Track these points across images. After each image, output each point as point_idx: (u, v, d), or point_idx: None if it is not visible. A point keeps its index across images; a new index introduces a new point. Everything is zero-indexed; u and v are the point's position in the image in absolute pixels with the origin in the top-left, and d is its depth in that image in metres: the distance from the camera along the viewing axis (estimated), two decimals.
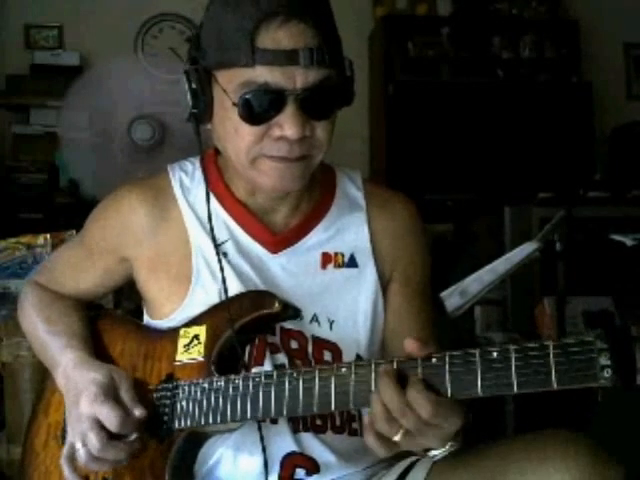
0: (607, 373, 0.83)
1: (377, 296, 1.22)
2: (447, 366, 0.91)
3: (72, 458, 1.09)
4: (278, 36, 1.04)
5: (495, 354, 0.89)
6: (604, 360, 0.84)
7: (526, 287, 3.09)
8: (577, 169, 4.28)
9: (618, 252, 2.77)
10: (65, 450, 1.10)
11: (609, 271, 2.86)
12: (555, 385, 0.85)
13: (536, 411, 2.71)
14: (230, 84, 1.08)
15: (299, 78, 1.05)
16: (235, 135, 1.10)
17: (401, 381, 0.92)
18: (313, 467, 1.13)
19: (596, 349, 0.84)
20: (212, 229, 1.17)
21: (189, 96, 1.13)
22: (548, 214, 2.85)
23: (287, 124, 1.06)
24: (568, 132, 4.38)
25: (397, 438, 0.92)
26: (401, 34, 4.49)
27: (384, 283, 1.24)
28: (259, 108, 1.07)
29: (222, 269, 1.15)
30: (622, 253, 2.75)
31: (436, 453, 0.98)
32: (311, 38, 1.05)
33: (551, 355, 0.86)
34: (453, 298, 2.28)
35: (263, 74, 1.05)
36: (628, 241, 2.71)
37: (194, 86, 1.12)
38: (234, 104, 1.07)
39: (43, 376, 1.30)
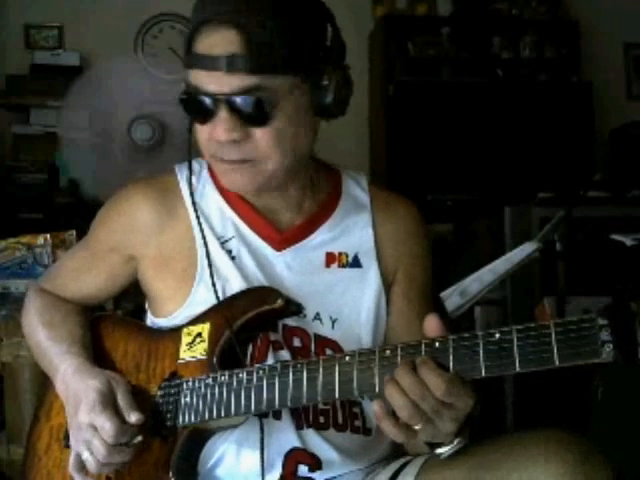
0: (608, 348, 0.84)
1: (380, 297, 1.23)
2: (450, 349, 0.92)
3: (81, 467, 1.09)
4: (209, 41, 1.07)
5: (497, 335, 0.90)
6: (605, 336, 0.84)
7: (526, 287, 3.09)
8: (577, 169, 4.28)
9: (618, 252, 2.76)
10: (72, 460, 1.10)
11: (609, 271, 2.86)
12: (557, 362, 0.86)
13: (535, 408, 2.71)
14: None
15: (225, 83, 1.07)
16: (198, 134, 1.15)
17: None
18: (316, 464, 1.12)
19: (597, 325, 0.85)
20: (201, 226, 1.18)
21: None
22: (548, 214, 2.86)
23: (217, 127, 1.09)
24: (568, 132, 4.38)
25: (419, 427, 0.93)
26: (401, 34, 4.49)
27: (387, 285, 1.24)
28: (191, 110, 1.12)
29: (210, 266, 1.16)
30: (622, 253, 2.75)
31: (444, 450, 0.99)
32: (237, 45, 1.05)
33: (552, 333, 0.87)
34: (453, 298, 2.29)
35: (195, 77, 1.09)
36: (628, 241, 2.71)
37: None
38: None
39: (45, 379, 1.28)
